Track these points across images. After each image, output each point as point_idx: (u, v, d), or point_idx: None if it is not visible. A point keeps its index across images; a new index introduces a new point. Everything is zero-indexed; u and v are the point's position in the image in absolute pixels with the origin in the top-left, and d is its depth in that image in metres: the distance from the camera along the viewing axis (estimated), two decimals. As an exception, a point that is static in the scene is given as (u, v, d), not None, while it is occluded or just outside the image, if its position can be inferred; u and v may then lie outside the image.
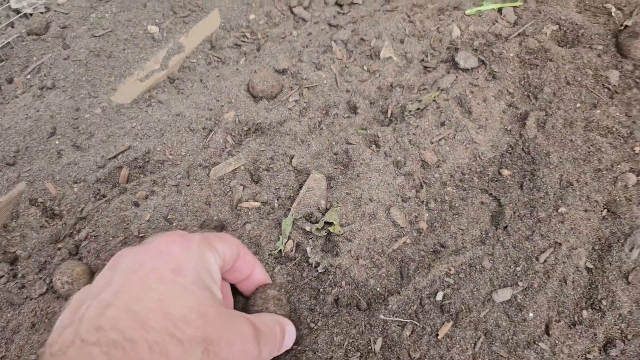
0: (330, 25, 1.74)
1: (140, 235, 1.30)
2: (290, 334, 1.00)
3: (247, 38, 1.74)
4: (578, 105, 1.46)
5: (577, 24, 1.63)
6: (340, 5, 1.79)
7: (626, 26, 1.58)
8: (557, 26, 1.64)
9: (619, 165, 1.35)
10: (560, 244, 1.22)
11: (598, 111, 1.44)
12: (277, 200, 1.39)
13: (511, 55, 1.56)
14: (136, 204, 1.36)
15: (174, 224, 1.36)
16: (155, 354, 0.60)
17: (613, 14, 1.64)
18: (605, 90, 1.49)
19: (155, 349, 0.61)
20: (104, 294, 0.67)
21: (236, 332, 0.74)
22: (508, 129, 1.44)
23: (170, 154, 1.46)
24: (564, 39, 1.63)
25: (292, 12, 1.79)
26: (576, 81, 1.50)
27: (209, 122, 1.50)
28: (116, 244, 1.29)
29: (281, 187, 1.40)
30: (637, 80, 1.50)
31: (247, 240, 1.33)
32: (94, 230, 1.32)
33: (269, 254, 1.29)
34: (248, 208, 1.37)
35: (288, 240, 1.32)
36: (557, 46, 1.59)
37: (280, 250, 1.29)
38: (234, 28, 1.75)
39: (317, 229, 1.29)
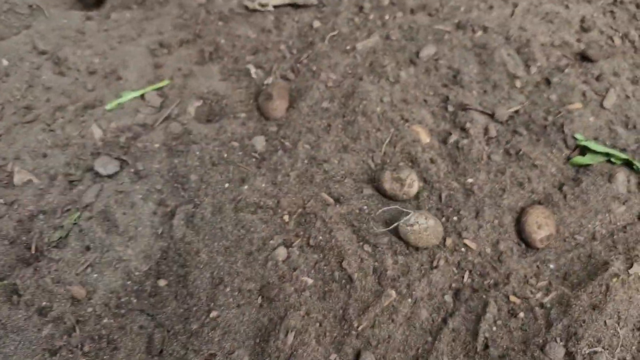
0: (-35, 153, 1.53)
1: None
2: None
3: None
4: (226, 185, 1.44)
5: (220, 95, 1.62)
6: (-25, 126, 1.59)
7: (265, 86, 1.60)
8: (202, 101, 1.61)
9: (271, 241, 1.35)
10: (214, 354, 1.19)
11: (246, 187, 1.43)
12: None
13: (156, 146, 1.50)
14: None
15: None
16: None
17: (253, 75, 1.65)
18: (253, 159, 1.50)
19: None
20: None
21: None
22: (159, 232, 1.38)
23: None
24: (210, 113, 1.61)
25: None
26: (222, 159, 1.48)
27: None
28: None
29: None
30: (282, 140, 1.53)
31: None
32: None
33: None
34: None
35: None
36: (201, 124, 1.55)
37: None
38: None
39: None
